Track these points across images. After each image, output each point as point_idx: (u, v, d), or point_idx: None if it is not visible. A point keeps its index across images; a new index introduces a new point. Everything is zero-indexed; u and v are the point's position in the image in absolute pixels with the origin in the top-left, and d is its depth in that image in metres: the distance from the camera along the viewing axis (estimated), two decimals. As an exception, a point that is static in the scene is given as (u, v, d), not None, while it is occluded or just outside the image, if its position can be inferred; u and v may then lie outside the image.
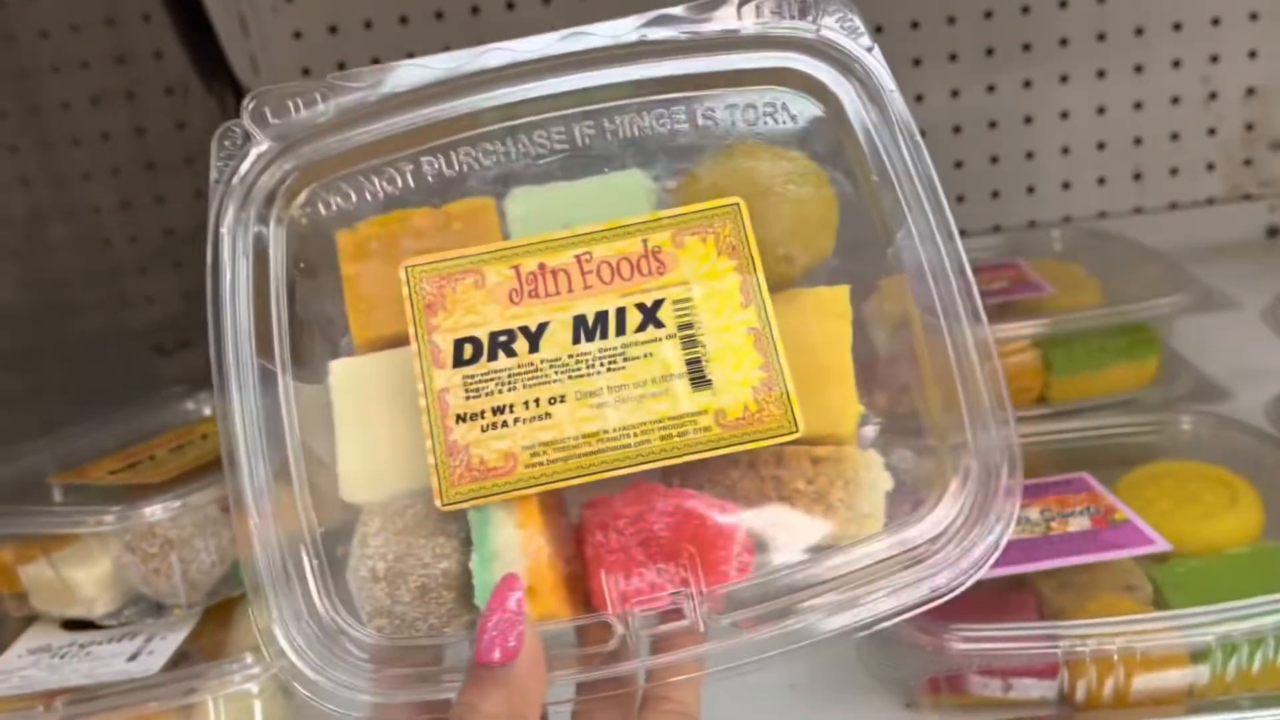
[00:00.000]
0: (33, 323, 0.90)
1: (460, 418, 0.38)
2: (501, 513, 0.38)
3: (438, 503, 0.37)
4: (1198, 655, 0.48)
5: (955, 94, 1.07)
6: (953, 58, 1.05)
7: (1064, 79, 1.05)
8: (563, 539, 0.40)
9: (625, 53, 0.44)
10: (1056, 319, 0.67)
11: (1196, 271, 0.72)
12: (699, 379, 0.39)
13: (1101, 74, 1.05)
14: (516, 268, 0.40)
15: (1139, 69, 1.04)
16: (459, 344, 0.39)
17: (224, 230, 0.43)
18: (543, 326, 0.39)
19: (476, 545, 0.37)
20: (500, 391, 0.38)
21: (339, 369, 0.41)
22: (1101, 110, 1.06)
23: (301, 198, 0.44)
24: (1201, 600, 0.48)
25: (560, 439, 0.38)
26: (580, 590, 0.39)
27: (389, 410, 0.40)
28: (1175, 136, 1.06)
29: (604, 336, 0.39)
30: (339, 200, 0.44)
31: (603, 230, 0.40)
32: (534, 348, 0.39)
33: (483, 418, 0.38)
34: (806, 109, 0.44)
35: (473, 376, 0.39)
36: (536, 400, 0.38)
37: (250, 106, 0.44)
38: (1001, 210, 1.11)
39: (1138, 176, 1.08)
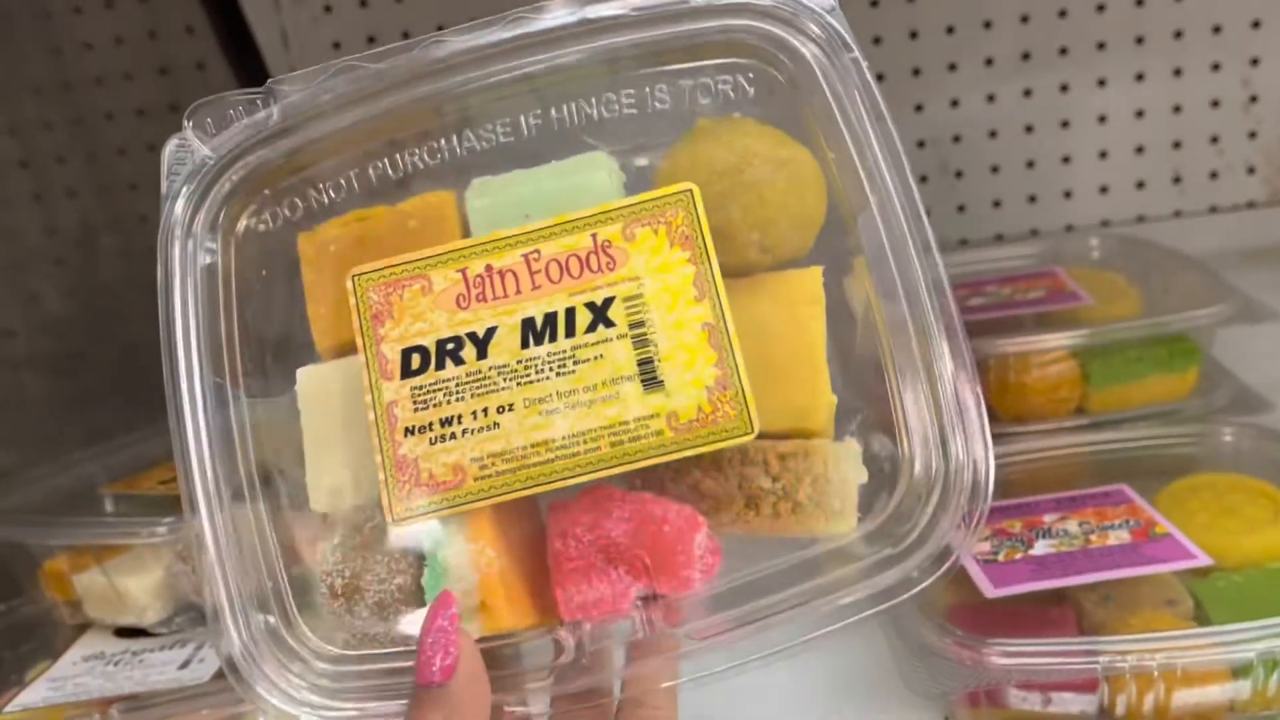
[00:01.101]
0: (81, 330, 0.92)
1: (409, 430, 0.37)
2: (451, 527, 0.37)
3: (388, 518, 0.37)
4: (1239, 671, 0.48)
5: (991, 99, 1.07)
6: (989, 62, 1.05)
7: (1102, 83, 1.05)
8: (527, 548, 0.39)
9: (568, 34, 0.41)
10: (1095, 330, 0.67)
11: (1236, 277, 0.72)
12: (650, 380, 0.37)
13: (1140, 77, 1.04)
14: (464, 270, 0.38)
15: (1178, 72, 1.04)
16: (406, 354, 0.38)
17: (174, 247, 0.42)
18: (491, 331, 0.38)
19: (428, 561, 0.37)
20: (448, 402, 0.37)
21: (305, 377, 0.40)
22: (1140, 114, 1.06)
23: (250, 208, 0.43)
24: (1243, 615, 0.48)
25: (509, 450, 0.37)
26: (550, 599, 0.39)
27: (348, 418, 0.39)
28: (1215, 140, 1.05)
29: (553, 339, 0.38)
30: (286, 211, 0.43)
31: (552, 226, 0.39)
32: (482, 354, 0.38)
33: (431, 430, 0.37)
34: (763, 79, 0.41)
35: (420, 387, 0.38)
36: (485, 410, 0.37)
37: (192, 117, 0.43)
38: (1038, 214, 1.10)
39: (1177, 180, 1.07)
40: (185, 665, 0.55)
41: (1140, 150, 1.07)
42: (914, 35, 1.04)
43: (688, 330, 0.37)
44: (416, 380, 0.38)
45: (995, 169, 1.09)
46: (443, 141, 0.43)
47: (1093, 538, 0.55)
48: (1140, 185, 1.08)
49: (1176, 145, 1.06)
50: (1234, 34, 1.01)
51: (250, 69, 1.08)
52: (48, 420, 0.84)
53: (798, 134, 0.41)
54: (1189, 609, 0.52)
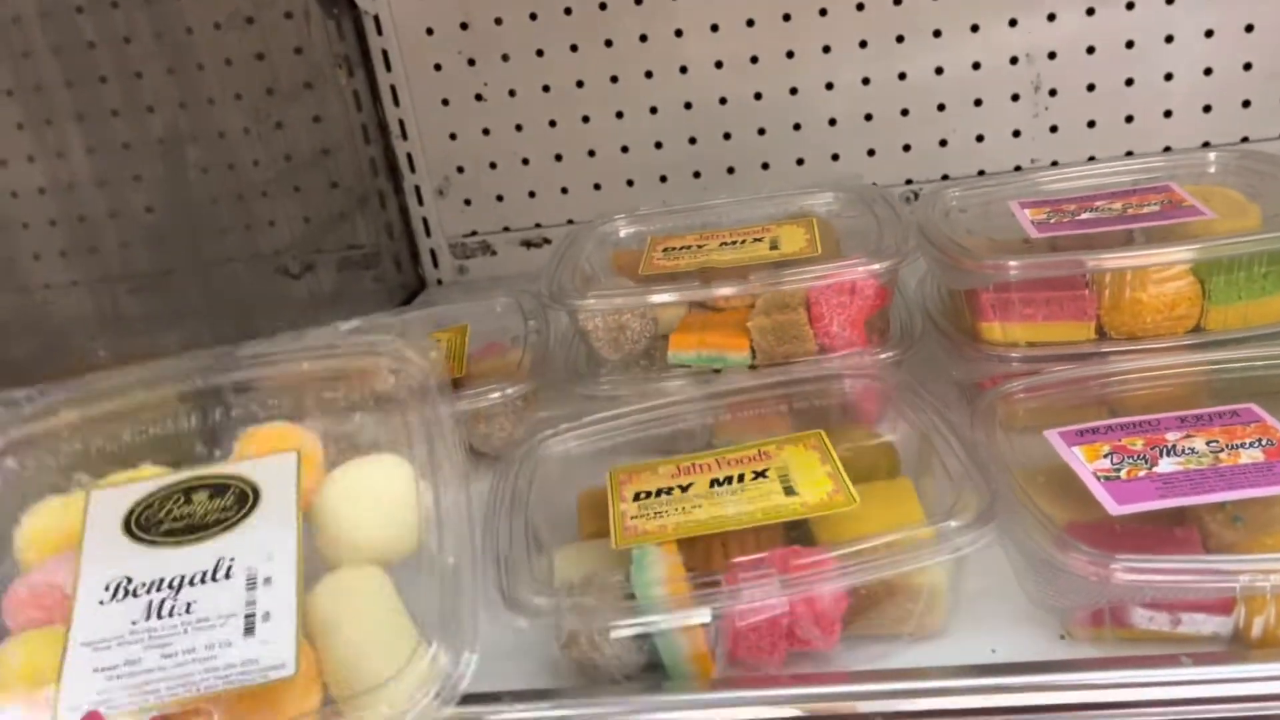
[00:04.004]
0: (168, 245, 0.92)
1: (633, 517, 0.57)
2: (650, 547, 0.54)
3: (613, 544, 0.55)
4: (1384, 594, 0.46)
5: (1091, 12, 1.02)
6: (1091, -27, 1.00)
7: (1211, -6, 1.00)
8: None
9: None
10: (1214, 244, 0.64)
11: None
12: (790, 490, 0.56)
13: (1252, -11, 0.99)
14: (677, 465, 0.61)
15: (1294, -17, 0.98)
16: (636, 492, 0.59)
17: None
18: (690, 484, 0.58)
19: (635, 560, 0.53)
20: (660, 508, 0.57)
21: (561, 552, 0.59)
22: (1249, 28, 1.00)
23: None
24: (1389, 537, 0.46)
25: (695, 520, 0.55)
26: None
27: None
28: (1331, 55, 1.00)
29: (729, 484, 0.58)
30: None
31: (735, 451, 0.61)
32: (684, 492, 0.58)
33: (646, 516, 0.56)
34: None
35: (641, 501, 0.58)
36: (683, 508, 0.56)
37: None
38: (1135, 136, 1.06)
39: (1287, 98, 1.02)
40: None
41: (1248, 67, 1.02)
42: (1013, -54, 1.00)
43: (815, 475, 0.58)
44: (641, 500, 0.58)
45: (1091, 87, 1.05)
46: None
47: (1222, 456, 0.53)
48: (1246, 104, 1.03)
49: (1289, 61, 1.01)
50: (1358, -60, 0.95)
51: (328, -20, 1.06)
52: (143, 335, 0.84)
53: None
54: (1325, 530, 0.50)
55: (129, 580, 0.50)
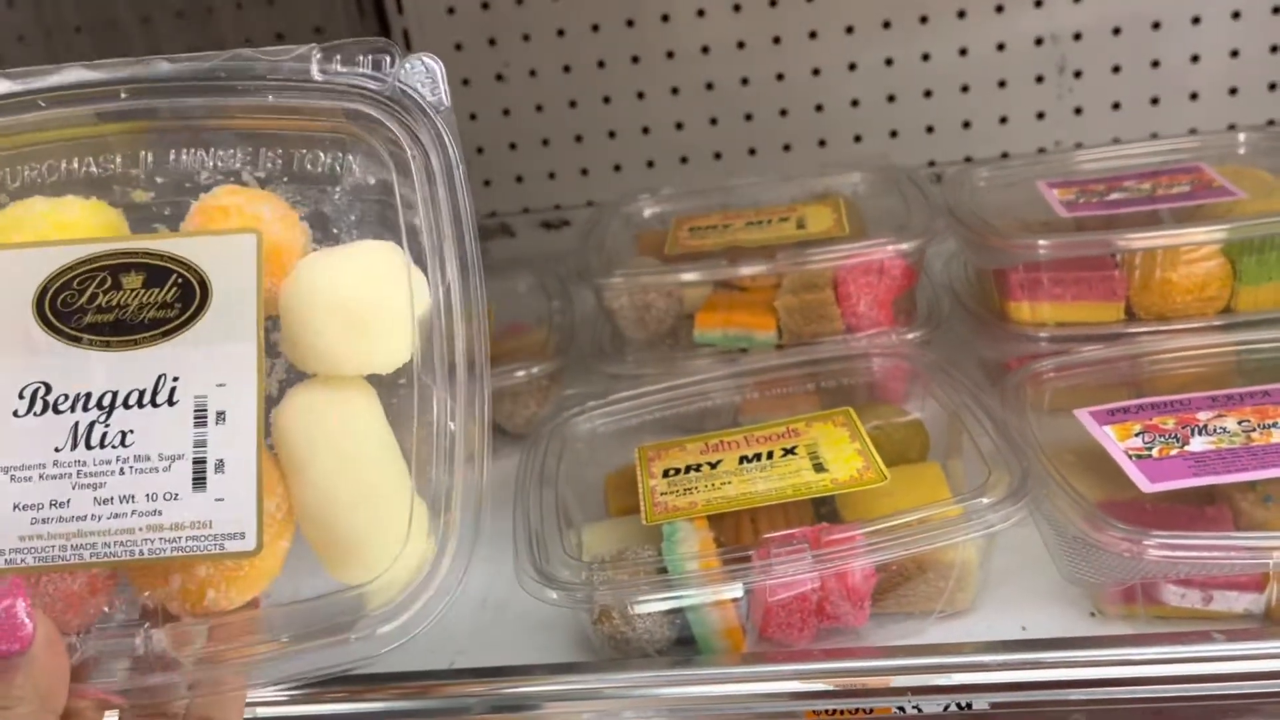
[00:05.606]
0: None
1: (662, 493, 0.57)
2: (681, 522, 0.55)
3: (644, 520, 0.55)
4: None
5: (1117, -8, 1.01)
6: (1118, -47, 0.99)
7: (1240, -25, 0.99)
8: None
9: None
10: (1245, 224, 0.63)
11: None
12: (819, 467, 0.56)
13: (1281, -31, 0.98)
14: (705, 442, 0.62)
15: (1322, -37, 0.97)
16: (665, 469, 0.59)
17: None
18: (719, 461, 0.59)
19: (667, 535, 0.54)
20: (690, 484, 0.57)
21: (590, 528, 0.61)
22: (1277, 10, 0.99)
23: None
24: None
25: (726, 496, 0.55)
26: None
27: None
28: (1361, 36, 0.99)
29: (758, 461, 0.58)
30: None
31: (761, 426, 0.62)
32: (713, 468, 0.58)
33: (676, 492, 0.57)
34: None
35: (671, 477, 0.58)
36: (713, 484, 0.57)
37: None
38: (1160, 118, 1.05)
39: (1315, 80, 1.02)
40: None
41: (1275, 50, 1.01)
42: (1040, -76, 0.99)
43: (844, 451, 0.57)
44: (669, 477, 0.59)
45: (1117, 69, 1.04)
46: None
47: (1254, 435, 0.53)
48: (1273, 87, 1.02)
49: (1319, 42, 1.00)
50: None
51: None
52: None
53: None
54: (1359, 510, 0.50)
55: (47, 389, 0.39)
